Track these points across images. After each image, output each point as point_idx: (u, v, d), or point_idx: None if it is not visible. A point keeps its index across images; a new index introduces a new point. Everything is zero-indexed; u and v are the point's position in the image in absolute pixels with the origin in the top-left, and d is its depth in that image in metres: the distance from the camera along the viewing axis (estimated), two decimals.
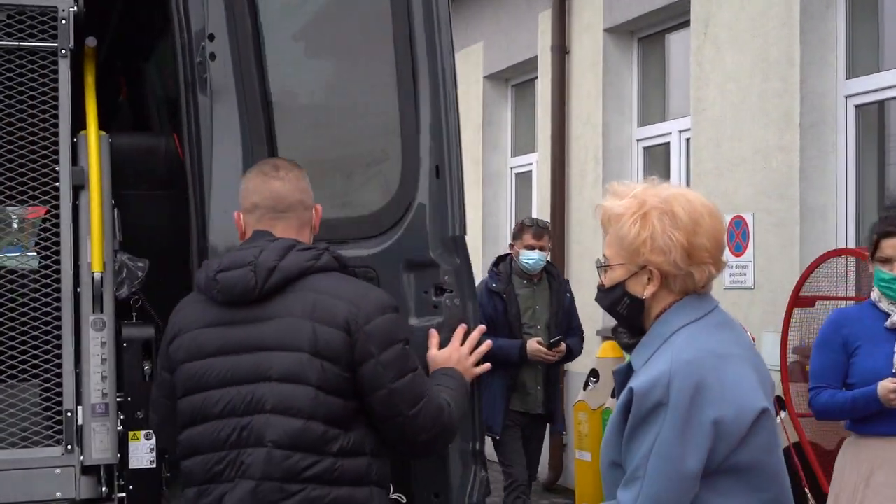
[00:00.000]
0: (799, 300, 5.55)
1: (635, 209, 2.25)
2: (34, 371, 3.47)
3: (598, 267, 2.34)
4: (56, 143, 3.52)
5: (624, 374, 2.31)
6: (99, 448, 3.46)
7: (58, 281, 3.47)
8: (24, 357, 3.45)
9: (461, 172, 3.35)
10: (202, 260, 3.43)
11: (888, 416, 4.08)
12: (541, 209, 9.00)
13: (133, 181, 3.79)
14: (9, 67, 3.51)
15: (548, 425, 6.26)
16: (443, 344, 3.08)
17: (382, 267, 3.20)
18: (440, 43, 3.42)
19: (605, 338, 7.44)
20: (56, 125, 3.52)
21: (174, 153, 3.86)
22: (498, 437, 5.83)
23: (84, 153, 3.57)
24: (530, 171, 9.57)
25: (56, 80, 3.53)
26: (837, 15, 6.20)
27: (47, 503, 3.42)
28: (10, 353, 3.44)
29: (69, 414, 3.45)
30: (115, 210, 3.61)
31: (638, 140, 8.15)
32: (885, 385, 4.02)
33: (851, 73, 6.18)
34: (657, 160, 7.99)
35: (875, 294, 4.24)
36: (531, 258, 5.90)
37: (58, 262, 3.48)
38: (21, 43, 3.51)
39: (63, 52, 3.53)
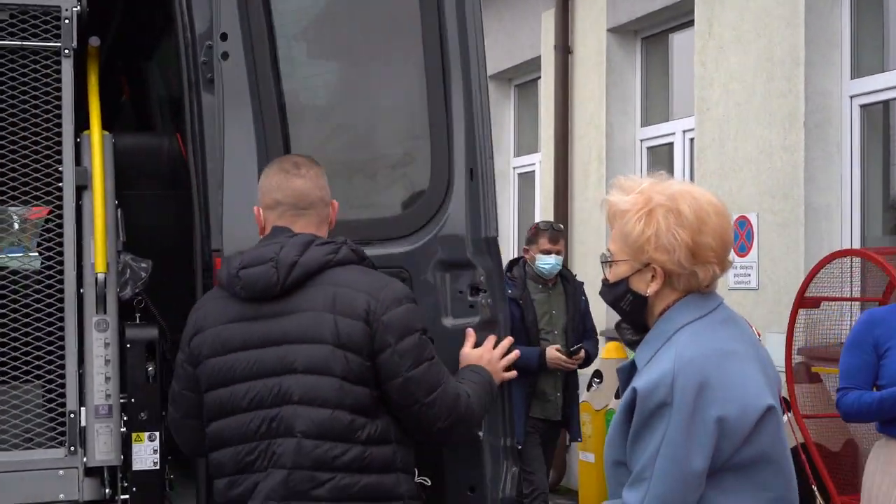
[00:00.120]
0: (804, 301, 5.54)
1: (640, 206, 2.23)
2: (37, 372, 3.45)
3: (602, 262, 2.33)
4: (59, 144, 3.51)
5: (627, 372, 2.30)
6: (102, 449, 3.45)
7: (61, 282, 3.46)
8: (28, 358, 3.43)
9: (493, 174, 3.37)
10: (205, 260, 3.43)
11: None
12: (544, 209, 8.99)
13: (136, 181, 3.78)
14: (12, 67, 3.49)
15: (562, 430, 6.19)
16: (476, 344, 3.15)
17: (416, 267, 3.21)
18: (474, 40, 3.39)
19: (609, 338, 7.42)
20: (59, 125, 3.51)
21: (177, 153, 3.85)
22: (520, 446, 5.77)
23: (87, 153, 3.56)
24: (533, 171, 9.56)
25: (59, 80, 3.51)
26: (842, 15, 6.18)
27: None
28: (14, 353, 3.43)
29: (72, 415, 3.43)
30: (119, 210, 3.60)
31: (641, 140, 8.13)
32: None
33: (856, 73, 6.16)
34: (661, 160, 7.97)
35: None
36: (548, 263, 5.81)
37: (61, 263, 3.47)
38: (24, 42, 3.50)
39: (66, 51, 3.52)
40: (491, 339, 3.14)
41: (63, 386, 3.44)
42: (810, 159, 6.13)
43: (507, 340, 3.17)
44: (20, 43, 3.50)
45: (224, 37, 3.18)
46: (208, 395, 2.85)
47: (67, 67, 3.52)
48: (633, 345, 2.34)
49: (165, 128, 4.78)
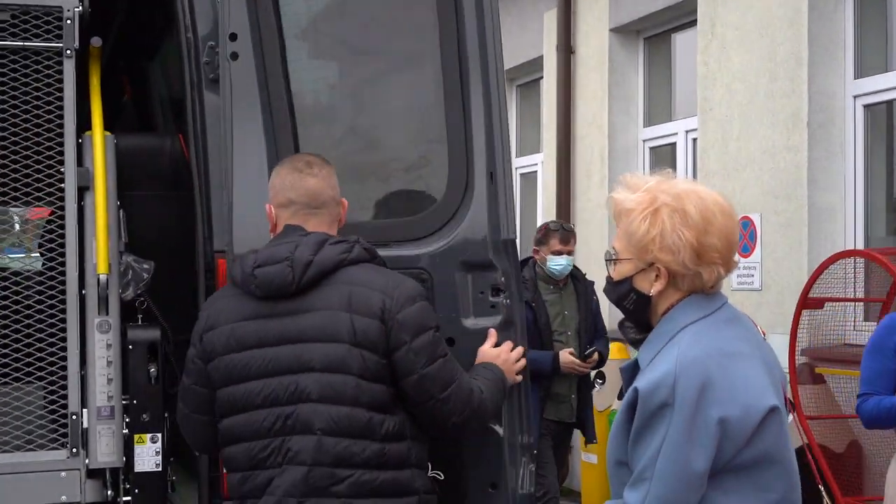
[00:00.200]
0: (808, 302, 5.52)
1: (646, 205, 2.21)
2: (39, 373, 3.45)
3: (606, 259, 2.31)
4: (61, 144, 3.50)
5: (630, 372, 2.29)
6: (104, 451, 3.44)
7: (63, 283, 3.45)
8: (30, 359, 3.43)
9: (511, 175, 3.40)
10: (206, 261, 3.42)
11: None
12: (546, 210, 8.98)
13: (138, 182, 3.77)
14: (14, 68, 3.49)
15: (574, 432, 6.12)
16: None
17: (437, 268, 3.23)
18: (492, 38, 3.38)
19: (613, 339, 7.40)
20: (61, 126, 3.50)
21: (180, 154, 3.84)
22: (535, 451, 5.72)
23: (89, 154, 3.55)
24: (535, 171, 9.55)
25: (61, 81, 3.51)
26: (846, 14, 6.17)
27: None
28: (16, 355, 3.42)
29: (74, 417, 3.43)
30: (121, 211, 3.59)
31: (644, 140, 8.12)
32: None
33: (860, 72, 6.15)
34: (663, 160, 7.96)
35: None
36: (559, 264, 5.69)
37: (63, 264, 3.46)
38: (26, 43, 3.49)
39: (68, 52, 3.51)
40: (508, 342, 3.17)
41: (65, 387, 3.44)
42: (813, 159, 6.12)
43: (522, 348, 3.22)
44: (22, 43, 3.49)
45: (233, 37, 3.17)
46: (222, 392, 2.87)
47: (69, 68, 3.52)
48: (636, 344, 2.33)
49: (167, 128, 4.77)
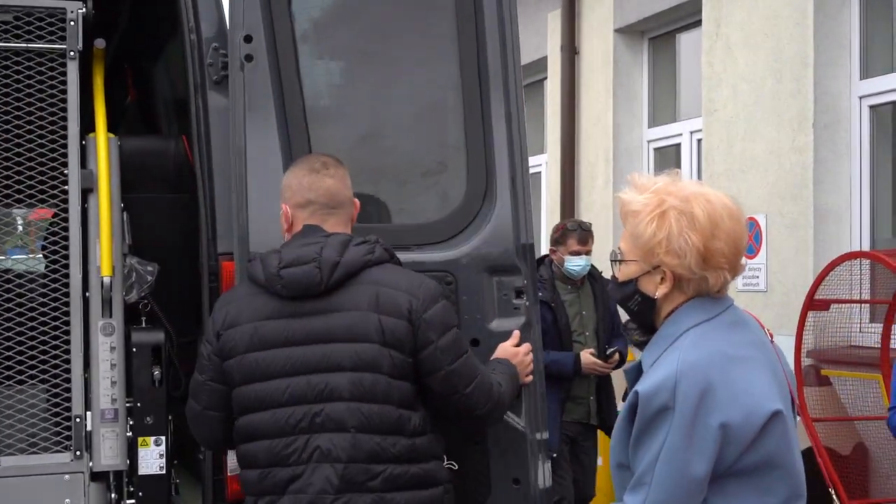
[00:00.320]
0: (813, 303, 5.50)
1: (653, 207, 2.19)
2: (43, 376, 3.44)
3: (611, 260, 2.30)
4: (65, 146, 3.49)
5: (634, 374, 2.27)
6: (108, 454, 3.44)
7: (66, 285, 3.44)
8: (33, 362, 3.42)
9: (528, 180, 3.45)
10: (210, 264, 3.41)
11: None
12: (550, 211, 8.97)
13: (142, 184, 3.76)
14: (17, 69, 3.48)
15: (598, 434, 6.03)
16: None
17: (462, 271, 3.28)
18: (511, 39, 3.45)
19: None
20: (65, 127, 3.50)
21: (183, 156, 3.83)
22: (554, 455, 5.43)
23: (93, 156, 3.55)
24: (540, 172, 9.54)
25: (65, 83, 3.50)
26: (851, 15, 6.15)
27: None
28: (19, 357, 3.41)
29: (78, 420, 3.42)
30: (124, 213, 3.58)
31: (649, 141, 8.11)
32: None
33: (865, 73, 6.13)
34: (668, 161, 7.94)
35: None
36: (578, 264, 5.56)
37: (66, 267, 3.45)
38: (29, 45, 3.48)
39: (72, 53, 3.51)
40: (527, 345, 3.26)
41: (69, 390, 3.43)
42: (819, 160, 6.10)
43: (534, 352, 3.30)
44: (25, 45, 3.48)
45: (248, 39, 3.16)
46: (243, 389, 2.88)
47: (73, 69, 3.51)
48: (640, 346, 2.31)
49: (171, 130, 4.76)
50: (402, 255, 3.04)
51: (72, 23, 3.51)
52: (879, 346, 5.37)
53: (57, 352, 3.43)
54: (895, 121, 6.20)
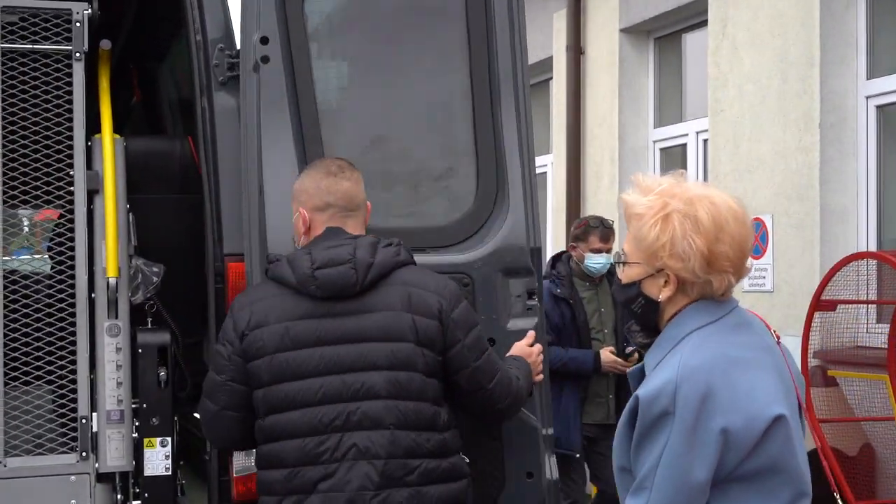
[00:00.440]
0: (820, 304, 5.49)
1: (657, 210, 2.17)
2: (49, 377, 3.44)
3: (615, 262, 2.29)
4: (70, 147, 3.49)
5: (638, 377, 2.26)
6: (114, 455, 3.44)
7: (72, 286, 3.45)
8: (39, 363, 3.42)
9: (536, 184, 3.54)
10: (216, 264, 3.41)
11: None
12: (556, 211, 8.96)
13: (148, 185, 3.76)
14: (23, 71, 3.48)
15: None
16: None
17: (479, 273, 3.36)
18: (520, 42, 3.51)
19: None
20: (70, 129, 3.50)
21: (189, 157, 3.83)
22: (577, 455, 5.44)
23: (98, 157, 3.55)
24: (545, 172, 9.53)
25: (70, 84, 3.50)
26: (857, 15, 6.14)
27: None
28: (25, 358, 3.41)
29: (84, 421, 3.42)
30: (130, 214, 3.58)
31: (654, 141, 8.09)
32: None
33: (872, 73, 6.12)
34: (674, 161, 7.93)
35: None
36: (598, 262, 5.46)
37: (72, 268, 3.46)
38: (35, 46, 3.48)
39: (77, 54, 3.51)
40: (539, 345, 3.36)
41: (75, 391, 3.43)
42: (825, 160, 6.09)
43: (540, 346, 3.39)
44: (31, 46, 3.48)
45: (265, 40, 3.16)
46: (272, 389, 2.89)
47: (78, 71, 3.51)
48: (644, 348, 2.30)
49: (177, 131, 4.76)
50: (420, 258, 3.09)
51: (77, 24, 3.51)
52: (886, 346, 5.35)
53: (63, 353, 3.43)
54: None
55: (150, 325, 3.62)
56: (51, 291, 3.48)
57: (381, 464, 2.83)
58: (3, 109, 3.45)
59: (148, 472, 3.47)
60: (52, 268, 3.56)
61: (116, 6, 4.05)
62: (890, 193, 6.12)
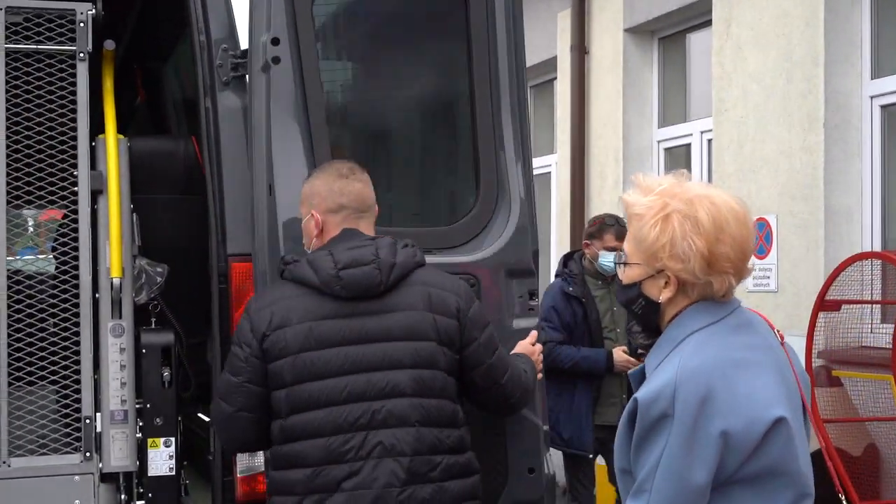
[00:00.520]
0: (824, 304, 5.47)
1: (657, 210, 2.16)
2: (53, 377, 3.45)
3: (615, 262, 2.28)
4: (74, 147, 3.50)
5: (639, 378, 2.24)
6: (118, 455, 3.44)
7: (76, 286, 3.45)
8: (43, 363, 3.43)
9: (533, 187, 3.61)
10: (220, 265, 3.42)
11: None
12: (560, 211, 8.96)
13: (152, 185, 3.77)
14: (27, 71, 3.49)
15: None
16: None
17: (483, 274, 3.42)
18: (521, 45, 3.53)
19: None
20: (74, 129, 3.50)
21: (193, 157, 3.83)
22: (591, 456, 5.41)
23: (103, 157, 3.55)
24: (550, 172, 9.52)
25: (74, 84, 3.51)
26: (862, 14, 6.13)
27: None
28: (29, 359, 3.42)
29: (88, 421, 3.43)
30: (134, 214, 3.59)
31: (659, 141, 8.08)
32: None
33: (877, 72, 6.10)
34: (678, 161, 7.92)
35: None
36: (612, 260, 5.30)
37: (76, 268, 3.46)
38: (39, 46, 3.49)
39: (81, 55, 3.51)
40: (539, 345, 3.43)
41: (78, 391, 3.44)
42: (830, 160, 6.08)
43: (540, 346, 3.48)
44: (35, 47, 3.49)
45: (276, 41, 3.17)
46: (295, 389, 2.89)
47: (82, 71, 3.52)
48: (645, 349, 2.28)
49: (181, 131, 4.77)
50: (429, 258, 3.13)
51: (81, 24, 3.52)
52: (891, 346, 5.34)
53: (67, 353, 3.44)
54: None
55: (153, 326, 3.62)
56: (55, 292, 3.49)
57: (407, 461, 2.87)
58: (8, 110, 3.45)
59: (152, 472, 3.47)
60: (57, 268, 3.56)
61: (120, 6, 4.06)
62: (894, 193, 6.11)
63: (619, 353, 5.35)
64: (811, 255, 6.15)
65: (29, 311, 3.45)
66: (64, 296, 3.46)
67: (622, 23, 8.07)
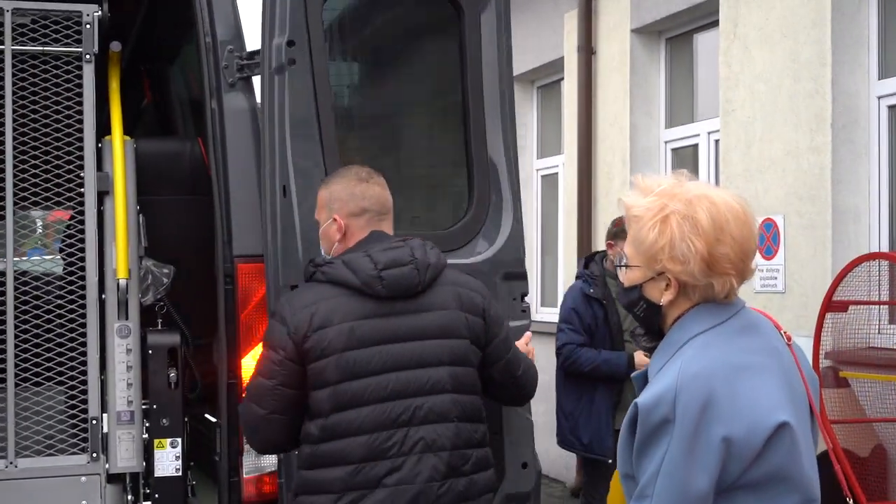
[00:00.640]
0: (832, 305, 5.46)
1: (655, 212, 2.13)
2: (59, 378, 3.45)
3: (616, 264, 2.26)
4: (81, 149, 3.51)
5: (642, 382, 2.22)
6: (124, 456, 3.45)
7: (83, 287, 3.46)
8: (50, 364, 3.43)
9: (520, 196, 3.69)
10: (226, 266, 3.42)
11: None
12: (567, 212, 8.95)
13: (158, 186, 3.77)
14: (34, 72, 3.49)
15: None
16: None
17: (481, 276, 3.44)
18: (509, 53, 3.60)
19: None
20: (81, 130, 3.51)
21: (199, 158, 3.84)
22: (610, 461, 5.24)
23: (109, 158, 3.56)
24: (556, 173, 9.52)
25: (81, 85, 3.51)
26: (870, 14, 6.11)
27: None
28: (36, 359, 3.43)
29: (94, 421, 3.43)
30: (141, 216, 3.59)
31: (666, 142, 8.07)
32: None
33: (884, 73, 6.08)
34: (685, 162, 7.90)
35: None
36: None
37: (83, 269, 3.47)
38: (46, 48, 3.50)
39: (87, 56, 3.52)
40: (532, 346, 3.48)
41: (85, 392, 3.44)
42: (837, 161, 6.06)
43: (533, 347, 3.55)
44: (42, 48, 3.50)
45: (291, 43, 3.18)
46: (339, 387, 2.91)
47: (89, 72, 3.53)
48: (649, 351, 2.26)
49: (187, 132, 4.77)
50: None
51: (87, 26, 3.52)
52: None
53: (73, 354, 3.44)
54: None
55: (160, 327, 3.62)
56: (61, 293, 3.49)
57: (447, 455, 2.95)
58: (15, 111, 3.46)
59: (158, 472, 3.48)
60: (63, 269, 3.57)
61: (127, 8, 4.07)
62: None
63: (641, 357, 5.24)
64: (819, 256, 6.14)
65: (36, 311, 3.46)
66: (71, 297, 3.47)
67: (629, 23, 8.06)
